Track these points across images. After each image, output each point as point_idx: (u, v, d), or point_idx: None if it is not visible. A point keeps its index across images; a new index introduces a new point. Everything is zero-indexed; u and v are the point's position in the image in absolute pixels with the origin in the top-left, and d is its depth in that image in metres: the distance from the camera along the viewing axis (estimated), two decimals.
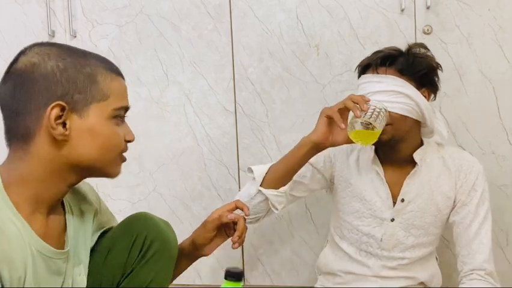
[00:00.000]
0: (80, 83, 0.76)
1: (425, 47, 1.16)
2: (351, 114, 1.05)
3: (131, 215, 0.98)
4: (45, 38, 1.58)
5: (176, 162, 1.57)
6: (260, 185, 1.15)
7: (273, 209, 1.17)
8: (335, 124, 1.07)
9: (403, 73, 1.11)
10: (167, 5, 1.54)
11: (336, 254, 1.26)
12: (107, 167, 0.80)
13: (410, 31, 1.44)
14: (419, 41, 1.43)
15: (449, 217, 1.20)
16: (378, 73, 1.12)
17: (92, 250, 0.92)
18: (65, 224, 0.84)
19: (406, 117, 1.10)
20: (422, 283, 1.22)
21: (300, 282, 1.54)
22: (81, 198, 0.91)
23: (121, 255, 0.93)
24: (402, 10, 1.43)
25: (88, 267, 0.90)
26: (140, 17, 1.55)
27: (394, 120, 1.09)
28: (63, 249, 0.81)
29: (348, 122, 1.06)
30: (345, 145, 1.21)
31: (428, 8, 1.42)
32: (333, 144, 1.10)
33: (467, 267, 1.13)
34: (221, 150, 1.55)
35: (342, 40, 1.47)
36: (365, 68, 1.16)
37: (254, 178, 1.17)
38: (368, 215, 1.19)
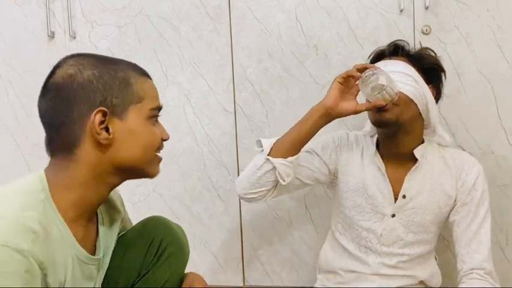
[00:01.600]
0: (116, 87, 0.79)
1: (432, 50, 1.22)
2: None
3: (147, 218, 1.01)
4: (45, 39, 1.59)
5: (176, 163, 1.58)
6: (268, 155, 1.14)
7: (280, 180, 1.14)
8: (345, 92, 1.11)
9: (413, 63, 1.14)
10: (166, 6, 1.55)
11: (335, 251, 1.26)
12: (147, 166, 0.83)
13: (409, 31, 1.44)
14: (417, 41, 1.43)
15: (448, 216, 1.20)
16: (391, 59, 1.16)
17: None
18: (97, 231, 0.87)
19: (412, 102, 1.11)
20: (422, 282, 1.22)
21: (299, 283, 1.54)
22: (111, 206, 0.93)
23: (137, 257, 0.95)
24: (401, 10, 1.44)
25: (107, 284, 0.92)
26: (140, 17, 1.56)
27: (401, 101, 1.10)
28: (94, 254, 0.84)
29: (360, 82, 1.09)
30: (351, 139, 1.25)
31: (426, 8, 1.42)
32: (342, 113, 1.11)
33: (467, 266, 1.14)
34: (221, 151, 1.56)
35: (341, 41, 1.47)
36: (378, 57, 1.20)
37: (262, 150, 1.16)
38: (369, 209, 1.20)
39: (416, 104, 1.12)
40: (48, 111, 0.79)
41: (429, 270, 1.23)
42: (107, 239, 0.90)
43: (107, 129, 0.77)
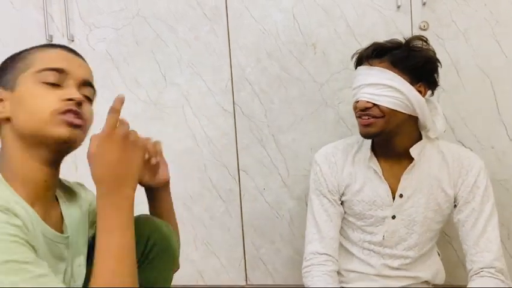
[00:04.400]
0: (12, 65, 0.81)
1: (425, 40, 1.13)
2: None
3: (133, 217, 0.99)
4: (43, 43, 1.58)
5: (176, 164, 1.57)
6: None
7: None
8: None
9: (396, 66, 1.08)
10: (163, 7, 1.55)
11: (340, 254, 1.25)
12: (45, 129, 0.77)
13: (407, 28, 1.44)
14: None
15: (451, 214, 1.19)
16: (371, 65, 1.10)
17: (94, 249, 0.93)
18: (61, 213, 0.86)
19: (396, 111, 1.08)
20: (425, 282, 1.22)
21: (302, 282, 1.54)
22: (73, 192, 0.93)
23: None
24: (398, 7, 1.43)
25: (90, 266, 0.90)
26: (137, 19, 1.56)
27: (385, 113, 1.08)
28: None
29: None
30: (336, 156, 1.23)
31: (424, 4, 1.42)
32: None
33: (477, 265, 1.11)
34: (220, 151, 1.56)
35: (339, 38, 1.47)
36: (360, 59, 1.15)
37: None
38: (369, 215, 1.19)
39: (400, 111, 1.09)
40: None
41: (433, 269, 1.23)
42: (75, 221, 0.88)
43: (4, 102, 0.79)
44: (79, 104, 0.80)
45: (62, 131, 0.77)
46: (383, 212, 1.17)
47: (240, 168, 1.55)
